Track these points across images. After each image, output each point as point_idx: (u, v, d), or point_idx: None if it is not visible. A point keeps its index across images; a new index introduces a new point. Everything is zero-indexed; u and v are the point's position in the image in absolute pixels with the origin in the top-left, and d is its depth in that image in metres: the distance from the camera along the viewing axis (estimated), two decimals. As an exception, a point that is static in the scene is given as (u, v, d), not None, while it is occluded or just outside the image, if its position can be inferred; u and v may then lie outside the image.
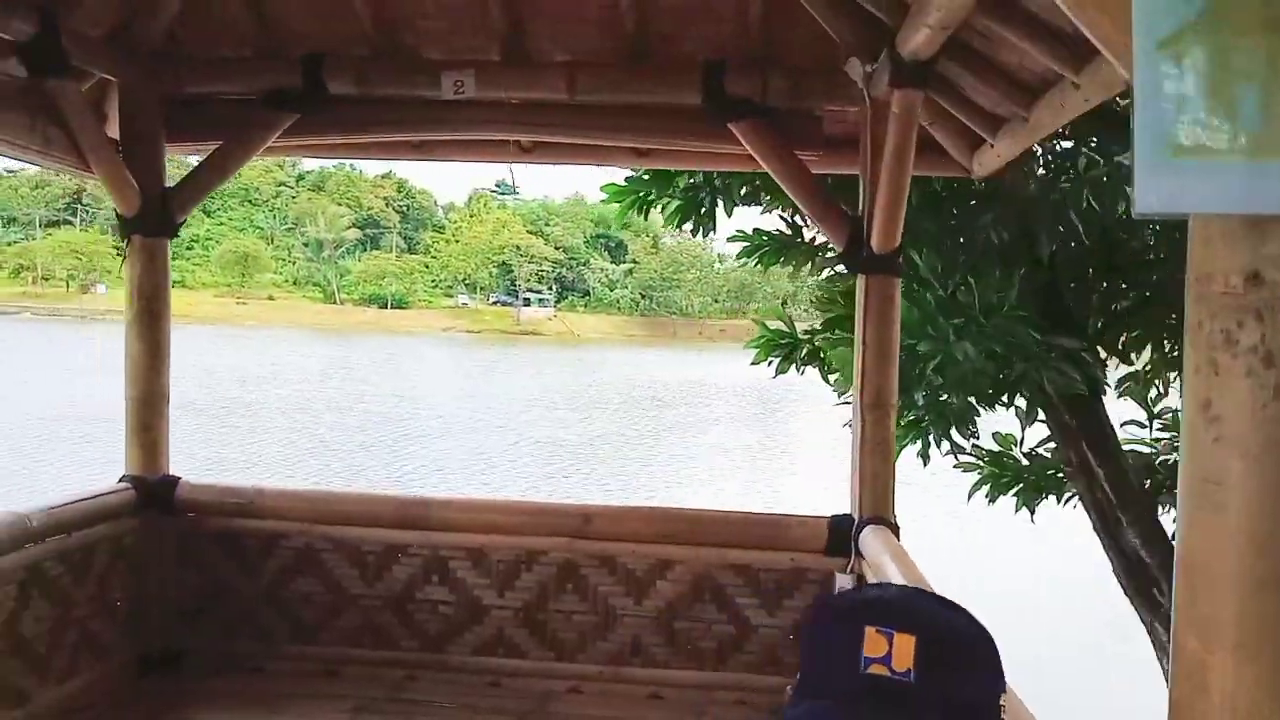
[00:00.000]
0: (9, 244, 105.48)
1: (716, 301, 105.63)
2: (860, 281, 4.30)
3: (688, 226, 6.77)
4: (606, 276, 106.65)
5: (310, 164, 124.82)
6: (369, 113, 4.62)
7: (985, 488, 6.70)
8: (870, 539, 4.05)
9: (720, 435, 32.40)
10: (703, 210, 6.22)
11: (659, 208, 6.56)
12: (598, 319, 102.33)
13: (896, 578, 3.45)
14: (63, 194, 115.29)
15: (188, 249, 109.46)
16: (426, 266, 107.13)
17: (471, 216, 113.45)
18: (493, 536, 4.54)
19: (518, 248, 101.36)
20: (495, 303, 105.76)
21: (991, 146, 4.35)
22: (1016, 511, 6.90)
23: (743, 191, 6.19)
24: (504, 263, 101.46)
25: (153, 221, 4.57)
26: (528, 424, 32.92)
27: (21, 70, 3.96)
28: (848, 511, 4.34)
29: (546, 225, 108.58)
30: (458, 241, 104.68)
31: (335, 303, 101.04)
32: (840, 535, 4.25)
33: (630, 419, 35.36)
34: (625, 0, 4.21)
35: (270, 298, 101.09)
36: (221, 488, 4.94)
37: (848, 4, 4.03)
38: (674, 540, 4.47)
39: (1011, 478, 6.70)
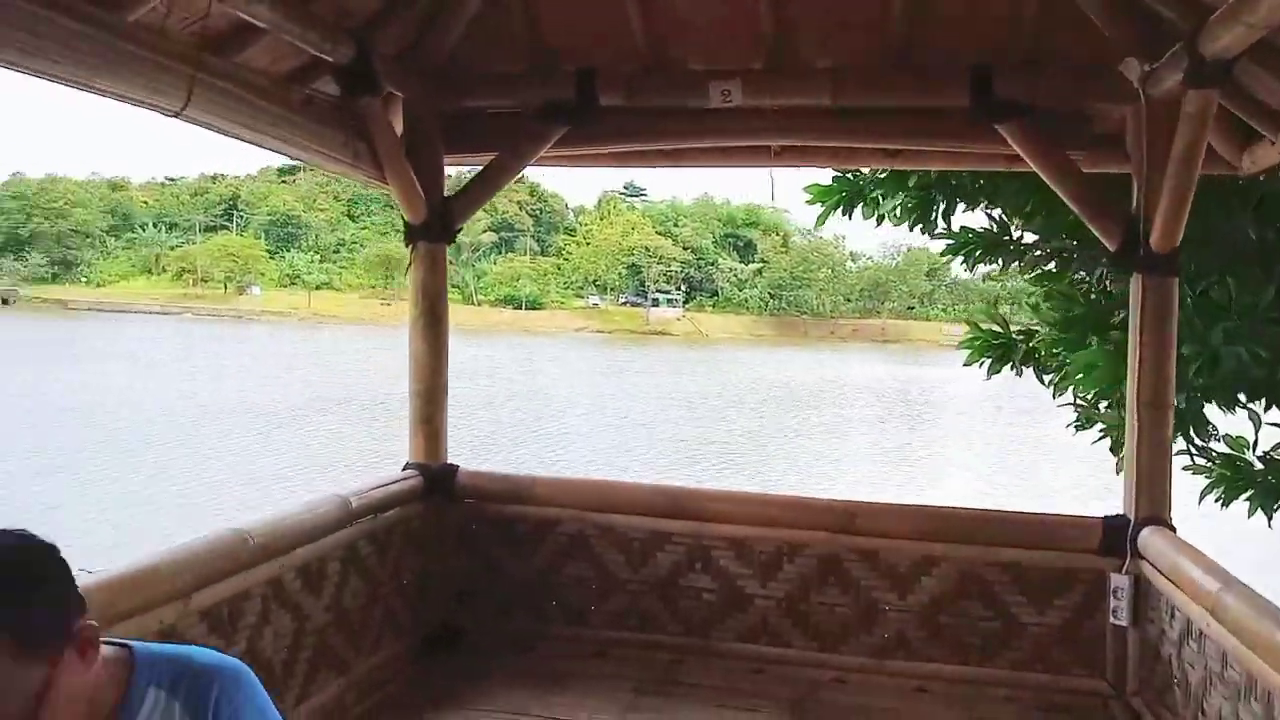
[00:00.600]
0: (171, 248, 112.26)
1: (849, 301, 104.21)
2: (1135, 281, 4.28)
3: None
4: (735, 276, 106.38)
5: (447, 170, 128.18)
6: (637, 123, 4.85)
7: (1218, 490, 6.50)
8: (1154, 540, 4.04)
9: (863, 435, 31.97)
10: (934, 210, 6.23)
11: (882, 208, 6.58)
12: (726, 319, 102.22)
13: (1202, 580, 3.43)
14: (219, 201, 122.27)
15: (334, 252, 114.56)
16: (559, 268, 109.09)
17: (601, 219, 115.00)
18: (755, 528, 4.70)
19: (646, 249, 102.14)
20: (625, 303, 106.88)
21: (1273, 144, 4.26)
22: (1250, 516, 6.67)
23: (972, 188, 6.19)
24: (633, 264, 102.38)
25: (435, 228, 4.91)
26: (667, 422, 33.21)
27: (334, 89, 4.34)
28: (1120, 512, 4.33)
29: (675, 226, 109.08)
30: (588, 244, 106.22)
31: (473, 304, 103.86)
32: (1115, 536, 4.24)
33: (768, 418, 35.25)
34: (897, 6, 4.30)
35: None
36: (498, 476, 5.25)
37: (1126, 3, 4.03)
38: (939, 538, 4.53)
39: (1246, 481, 6.48)
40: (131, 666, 1.77)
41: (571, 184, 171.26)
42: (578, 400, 37.95)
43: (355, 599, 4.23)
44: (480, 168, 5.06)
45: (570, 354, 67.67)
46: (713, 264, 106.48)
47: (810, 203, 7.95)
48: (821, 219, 7.86)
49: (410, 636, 4.69)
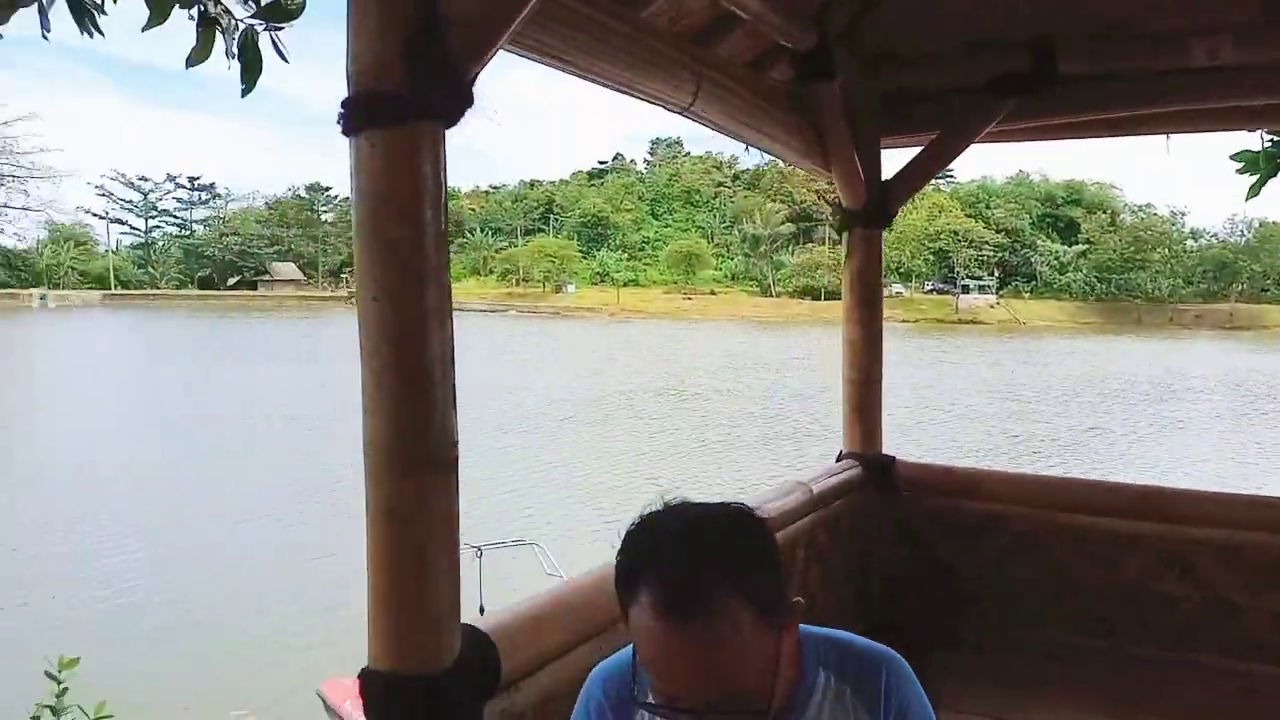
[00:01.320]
0: (497, 250, 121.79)
1: (1190, 284, 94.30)
2: None
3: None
4: (1056, 259, 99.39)
5: (746, 163, 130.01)
6: (1097, 91, 4.49)
7: None
8: None
9: (1233, 433, 28.61)
10: None
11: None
12: (1045, 305, 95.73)
13: None
14: (536, 205, 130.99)
15: (639, 250, 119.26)
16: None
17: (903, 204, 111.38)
18: (1246, 532, 4.22)
19: (955, 233, 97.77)
20: (930, 291, 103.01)
21: None
22: None
23: None
24: (940, 249, 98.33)
25: (873, 213, 4.81)
26: (997, 416, 31.48)
27: (788, 74, 4.34)
28: None
29: (986, 208, 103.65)
30: (891, 229, 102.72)
31: (771, 295, 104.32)
32: None
33: (1113, 413, 32.43)
34: None
35: (712, 292, 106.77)
36: (939, 468, 5.10)
37: None
38: None
39: None
40: (799, 645, 1.78)
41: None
42: (896, 390, 36.83)
43: (816, 588, 4.23)
44: (918, 149, 4.91)
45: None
46: (1029, 246, 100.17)
47: (1240, 171, 7.15)
48: (1254, 189, 7.04)
49: (855, 628, 4.63)
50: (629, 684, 1.66)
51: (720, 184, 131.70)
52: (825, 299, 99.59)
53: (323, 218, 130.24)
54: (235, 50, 3.20)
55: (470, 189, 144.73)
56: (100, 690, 4.23)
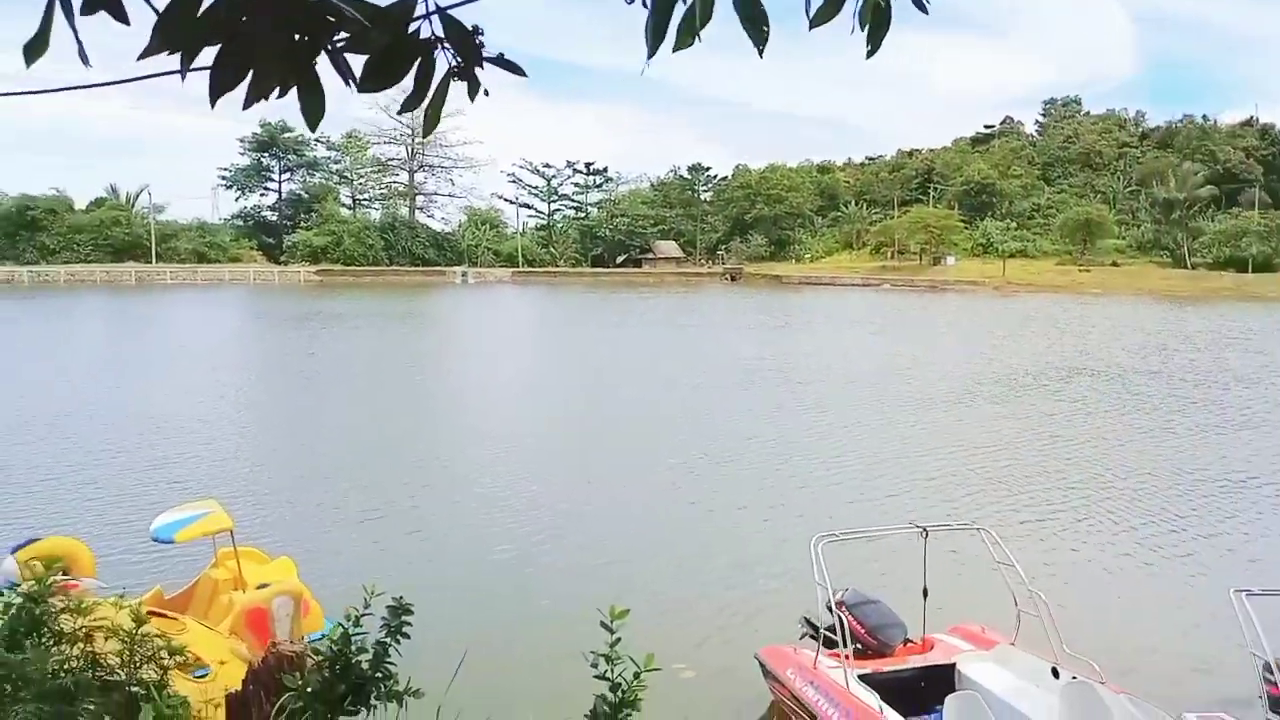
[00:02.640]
0: (871, 224, 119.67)
1: None
2: None
3: None
4: None
5: (1156, 119, 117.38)
6: None
7: None
8: None
9: None
10: None
11: None
12: None
13: None
14: (914, 175, 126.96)
15: (1029, 218, 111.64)
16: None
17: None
18: None
19: None
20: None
21: None
22: None
23: None
24: None
25: None
26: None
27: None
28: None
29: None
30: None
31: (1186, 267, 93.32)
32: None
33: None
34: None
35: (1114, 264, 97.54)
36: None
37: None
38: None
39: None
40: None
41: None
42: None
43: None
44: None
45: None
46: None
47: None
48: None
49: None
50: None
51: (1124, 144, 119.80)
52: (1253, 272, 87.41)
53: (701, 197, 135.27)
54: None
55: (844, 161, 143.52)
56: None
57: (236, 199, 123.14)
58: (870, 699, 7.83)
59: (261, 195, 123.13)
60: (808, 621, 9.68)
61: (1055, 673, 8.32)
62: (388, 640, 3.46)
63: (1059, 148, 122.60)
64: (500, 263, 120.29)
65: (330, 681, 3.39)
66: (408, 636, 3.45)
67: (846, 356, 39.63)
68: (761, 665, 9.67)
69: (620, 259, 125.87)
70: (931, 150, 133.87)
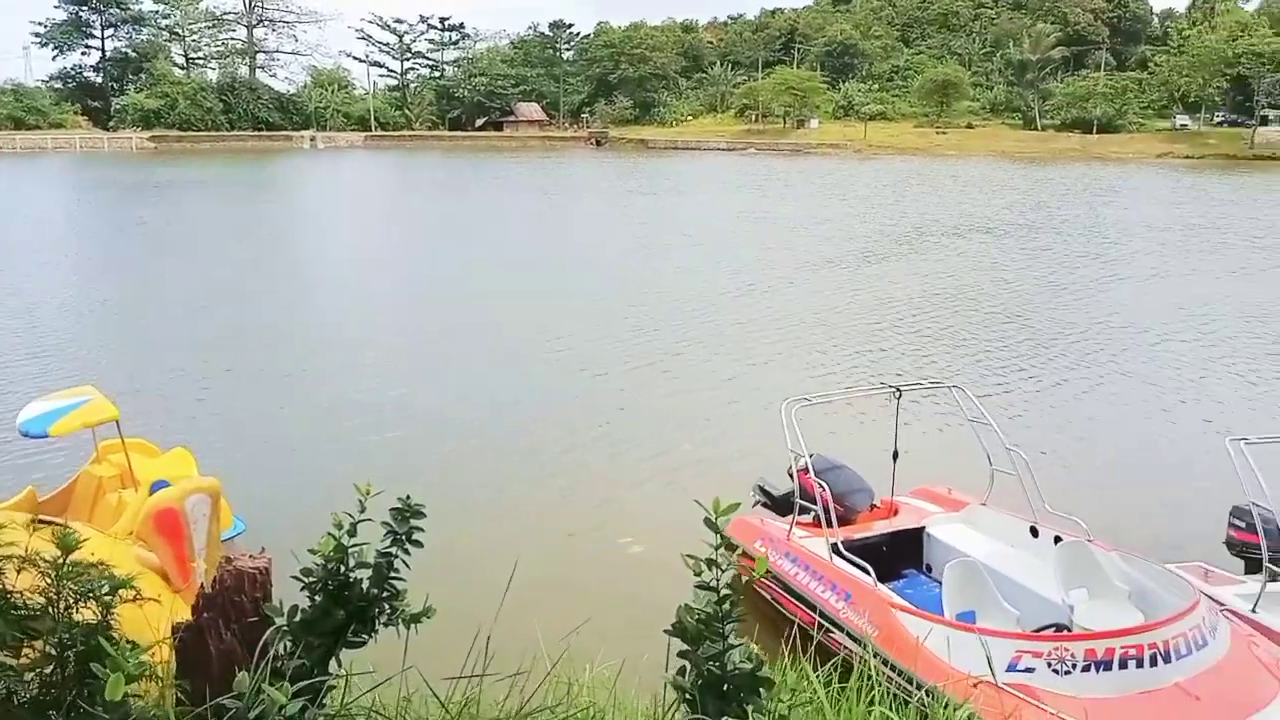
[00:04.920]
0: (735, 85, 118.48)
1: None
2: None
3: None
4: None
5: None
6: None
7: None
8: None
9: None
10: None
11: None
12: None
13: None
14: (778, 35, 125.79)
15: (888, 80, 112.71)
16: (1139, 84, 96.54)
17: (1195, 24, 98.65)
18: None
19: (1259, 55, 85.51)
20: (1220, 123, 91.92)
21: None
22: None
23: None
24: (1239, 75, 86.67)
25: None
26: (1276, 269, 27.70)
27: None
28: None
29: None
30: (1181, 53, 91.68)
31: (1036, 129, 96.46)
32: None
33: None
34: None
35: (969, 125, 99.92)
36: None
37: None
38: None
39: None
40: None
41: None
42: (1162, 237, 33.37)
43: None
44: None
45: (1151, 183, 59.46)
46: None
47: None
48: None
49: None
50: None
51: (980, 4, 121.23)
52: (1097, 133, 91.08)
53: (563, 56, 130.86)
54: None
55: (707, 21, 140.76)
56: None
57: (54, 58, 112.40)
58: (857, 571, 7.52)
59: (83, 54, 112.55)
60: (762, 490, 9.28)
61: (1034, 531, 8.17)
62: (393, 551, 2.82)
63: (917, 8, 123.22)
64: (351, 126, 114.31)
65: (326, 607, 2.76)
66: (419, 544, 2.83)
67: (740, 219, 39.53)
68: (725, 539, 9.24)
69: (480, 122, 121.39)
70: (794, 10, 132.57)
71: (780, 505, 9.04)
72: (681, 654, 2.37)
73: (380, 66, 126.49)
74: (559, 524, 10.25)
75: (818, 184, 58.46)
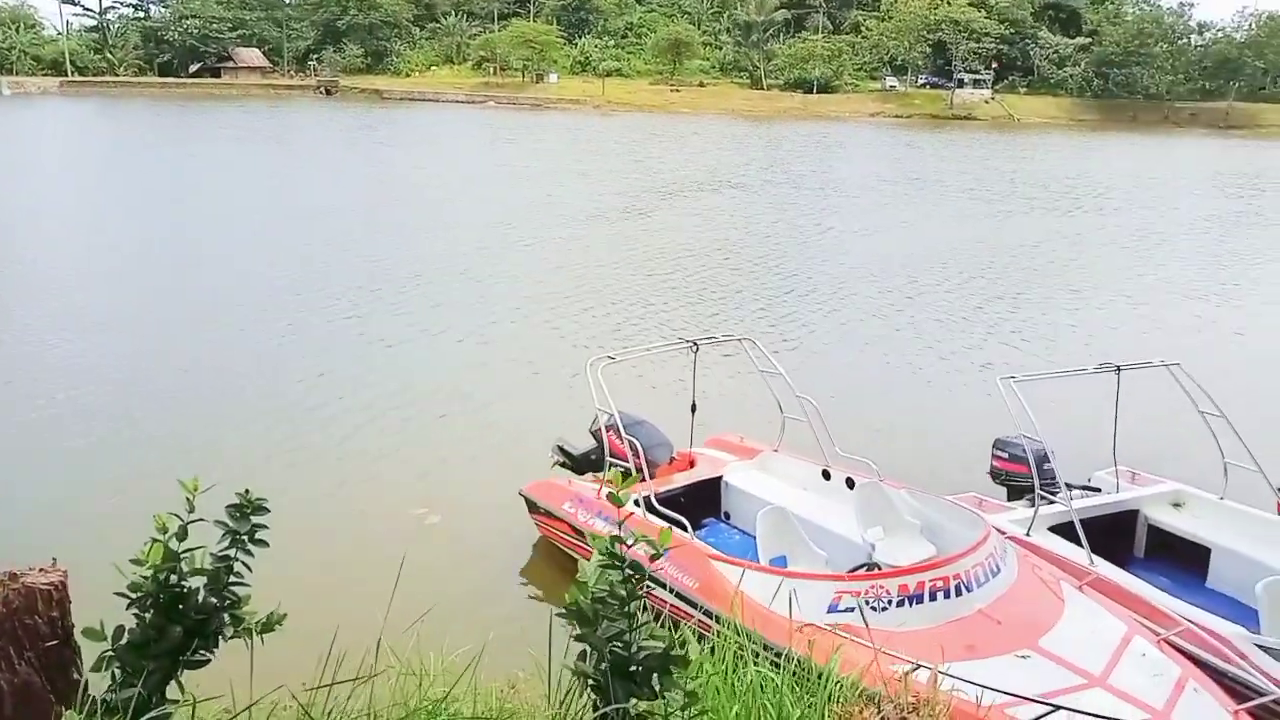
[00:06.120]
0: (471, 37, 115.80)
1: (1189, 81, 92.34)
2: None
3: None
4: (1056, 53, 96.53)
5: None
6: None
7: None
8: None
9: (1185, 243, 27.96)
10: None
11: None
12: (1042, 101, 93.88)
13: None
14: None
15: (622, 37, 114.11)
16: (853, 47, 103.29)
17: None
18: None
19: (956, 22, 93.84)
20: (924, 85, 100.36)
21: None
22: None
23: None
24: (939, 41, 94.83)
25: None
26: (992, 217, 31.13)
27: None
28: None
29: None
30: (890, 18, 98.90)
31: (762, 88, 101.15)
32: None
33: (1081, 217, 32.00)
34: None
35: (700, 84, 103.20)
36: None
37: None
38: None
39: None
40: None
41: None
42: (873, 186, 36.47)
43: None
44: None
45: (864, 138, 64.53)
46: (1030, 38, 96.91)
47: None
48: None
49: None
50: None
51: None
52: (817, 93, 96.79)
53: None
54: None
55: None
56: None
57: None
58: (672, 525, 7.60)
59: None
60: (561, 450, 9.19)
61: (826, 474, 8.48)
62: (232, 554, 2.51)
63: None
64: (43, 70, 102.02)
65: (159, 624, 2.39)
66: (264, 544, 2.54)
67: (498, 172, 38.88)
68: (529, 501, 8.96)
69: (194, 68, 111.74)
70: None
71: (580, 464, 9.02)
72: (579, 637, 2.27)
73: (75, 4, 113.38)
74: (350, 504, 9.75)
75: (567, 138, 58.63)
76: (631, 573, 2.25)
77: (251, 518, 2.52)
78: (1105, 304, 19.59)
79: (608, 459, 8.45)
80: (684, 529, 7.39)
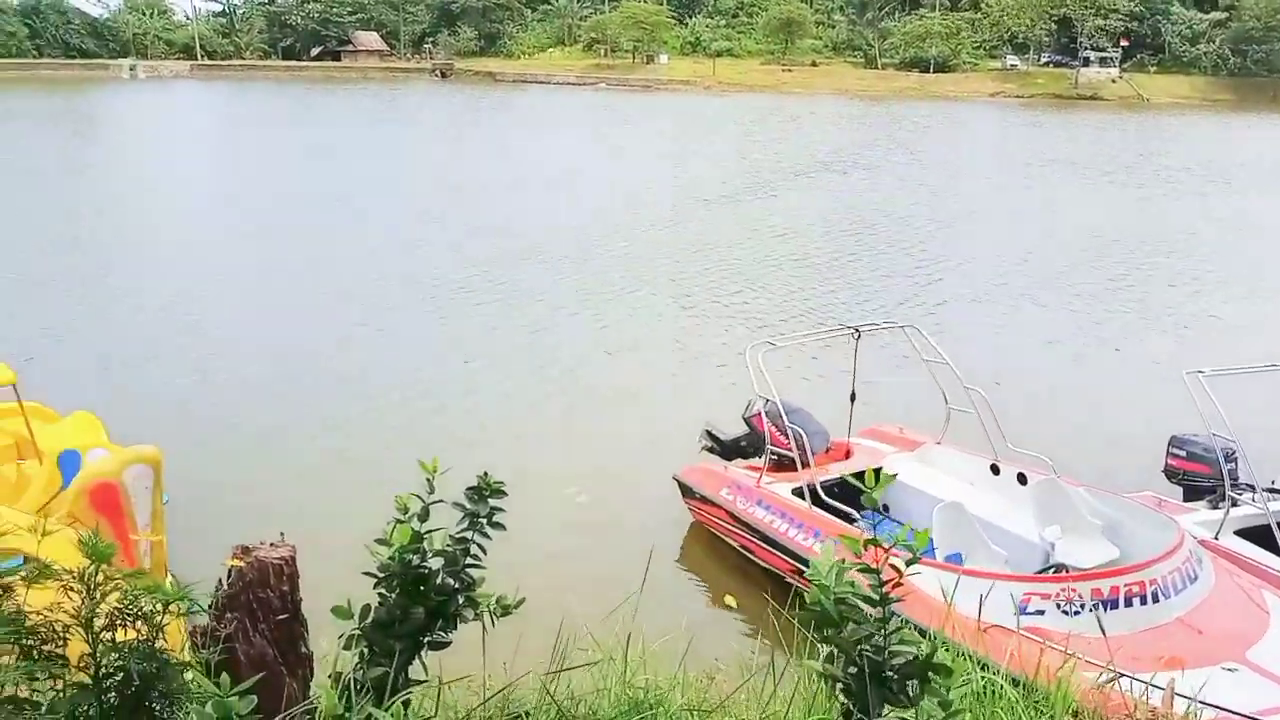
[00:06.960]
0: (583, 18, 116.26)
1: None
2: None
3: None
4: (1189, 29, 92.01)
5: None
6: None
7: None
8: None
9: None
10: None
11: None
12: (1173, 80, 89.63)
13: None
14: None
15: (733, 16, 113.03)
16: (972, 25, 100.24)
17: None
18: None
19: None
20: (1047, 63, 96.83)
21: None
22: None
23: None
24: (1065, 17, 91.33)
25: None
26: (1140, 201, 29.96)
27: None
28: None
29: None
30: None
31: (876, 67, 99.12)
32: None
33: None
34: None
35: (813, 64, 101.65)
36: None
37: None
38: None
39: None
40: None
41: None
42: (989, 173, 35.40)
43: None
44: None
45: (981, 120, 62.55)
46: (1162, 14, 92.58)
47: None
48: None
49: None
50: None
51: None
52: (934, 72, 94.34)
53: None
54: None
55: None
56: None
57: None
58: (837, 518, 7.45)
59: None
60: (710, 435, 9.10)
61: (995, 469, 8.17)
62: (469, 536, 2.53)
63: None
64: (174, 54, 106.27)
65: (403, 605, 2.44)
66: (501, 526, 2.56)
67: (615, 155, 39.20)
68: (683, 486, 8.85)
69: (316, 51, 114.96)
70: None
71: (729, 450, 8.92)
72: (826, 639, 2.16)
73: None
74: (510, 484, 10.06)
75: (682, 119, 58.52)
76: (888, 575, 2.12)
77: (489, 500, 2.58)
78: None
79: (768, 447, 8.32)
80: (851, 521, 7.24)
